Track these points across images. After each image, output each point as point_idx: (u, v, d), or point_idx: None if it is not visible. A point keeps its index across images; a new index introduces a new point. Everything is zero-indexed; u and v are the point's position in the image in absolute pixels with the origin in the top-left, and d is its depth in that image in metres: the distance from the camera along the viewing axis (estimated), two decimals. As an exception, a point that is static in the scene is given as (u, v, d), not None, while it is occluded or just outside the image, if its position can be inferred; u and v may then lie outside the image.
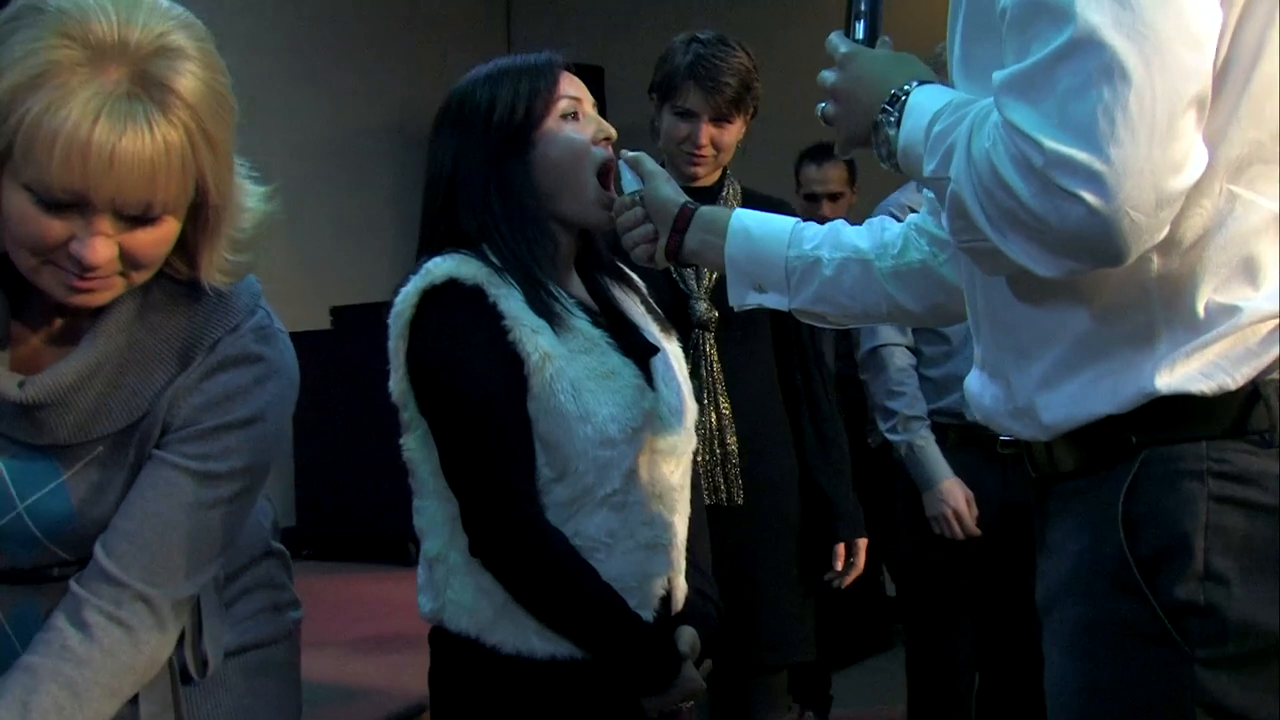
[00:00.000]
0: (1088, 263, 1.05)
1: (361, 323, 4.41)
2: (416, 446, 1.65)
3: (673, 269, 2.37)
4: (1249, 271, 1.11)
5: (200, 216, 1.23)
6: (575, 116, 1.70)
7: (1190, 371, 1.10)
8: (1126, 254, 1.02)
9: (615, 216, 1.63)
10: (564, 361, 1.59)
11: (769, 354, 2.47)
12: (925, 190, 1.43)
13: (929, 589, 2.89)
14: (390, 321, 1.63)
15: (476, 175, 1.66)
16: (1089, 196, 0.99)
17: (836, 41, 1.34)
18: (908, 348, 2.87)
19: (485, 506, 1.59)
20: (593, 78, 5.95)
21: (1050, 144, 0.99)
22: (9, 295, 1.27)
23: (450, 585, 1.63)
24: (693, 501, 1.80)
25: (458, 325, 1.59)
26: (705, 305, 2.36)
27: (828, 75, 1.32)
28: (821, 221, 1.59)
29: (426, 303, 1.59)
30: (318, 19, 5.79)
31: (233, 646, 1.44)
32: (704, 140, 2.36)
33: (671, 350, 1.78)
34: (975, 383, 1.29)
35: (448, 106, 1.72)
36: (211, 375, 1.29)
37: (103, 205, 1.14)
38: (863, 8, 1.36)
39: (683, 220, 1.57)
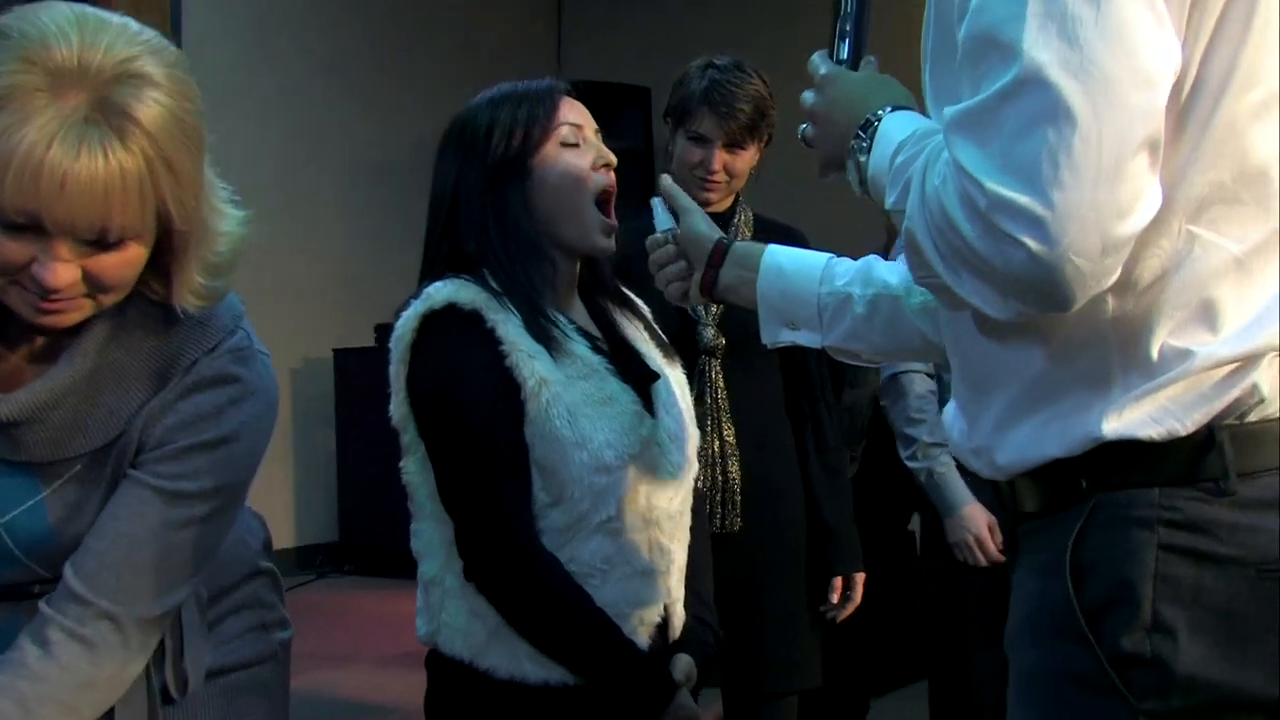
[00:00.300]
0: (1035, 307, 1.02)
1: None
2: (415, 470, 1.66)
3: None
4: (1207, 315, 1.06)
5: (168, 241, 1.23)
6: (576, 144, 1.70)
7: (1139, 416, 1.06)
8: (1072, 300, 1.00)
9: (649, 253, 1.61)
10: (561, 387, 1.59)
11: (776, 381, 2.46)
12: None
13: (953, 613, 2.85)
14: (391, 345, 1.64)
15: (475, 200, 1.67)
16: (1030, 242, 0.96)
17: (818, 62, 1.31)
18: (927, 374, 2.85)
19: (480, 530, 1.59)
20: (640, 98, 5.98)
21: (992, 186, 0.97)
22: None
23: (445, 608, 1.64)
24: (695, 529, 1.79)
25: (456, 350, 1.60)
26: (712, 331, 2.36)
27: (808, 96, 1.30)
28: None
29: (426, 327, 1.61)
30: (367, 38, 5.85)
31: (216, 667, 1.44)
32: (717, 166, 2.35)
33: (674, 377, 1.79)
34: (949, 414, 1.28)
35: (450, 130, 1.74)
36: (187, 395, 1.29)
37: (55, 229, 1.13)
38: (847, 28, 1.33)
39: (717, 256, 1.55)
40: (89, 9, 1.17)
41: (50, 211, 1.12)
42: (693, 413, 1.80)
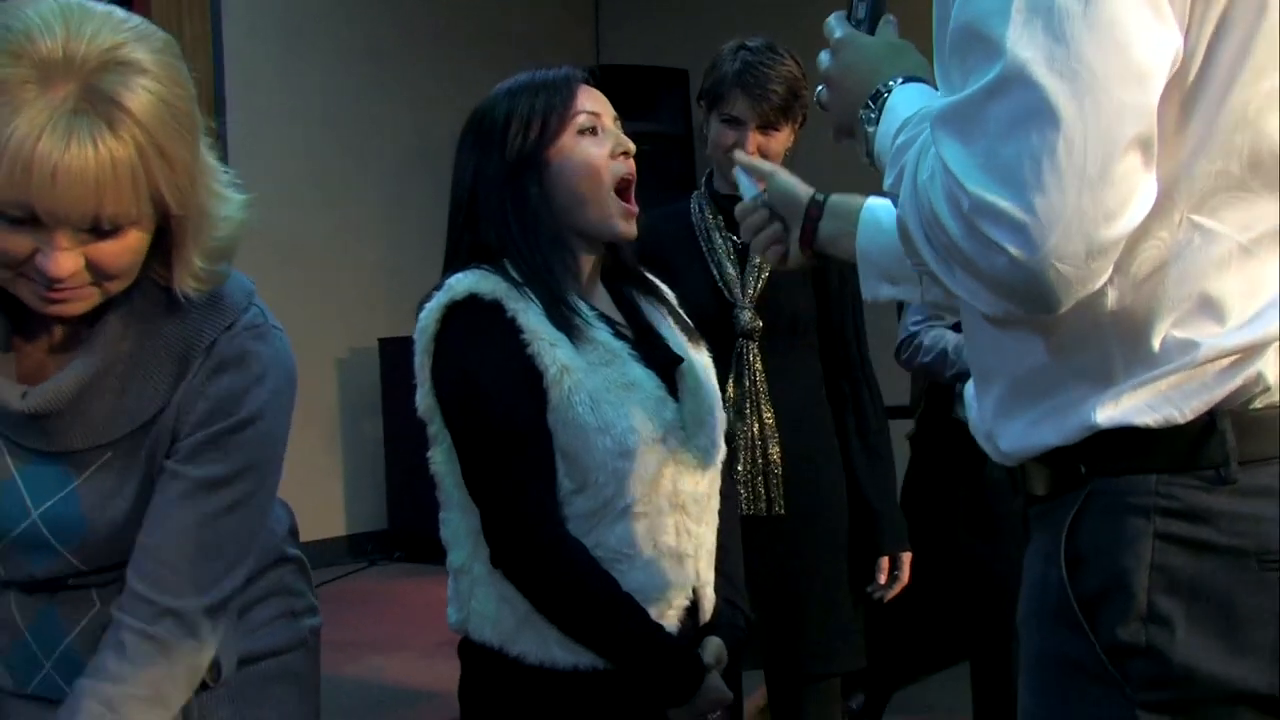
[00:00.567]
0: (1022, 308, 1.00)
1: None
2: (442, 460, 1.67)
3: (717, 278, 2.36)
4: (1211, 306, 1.03)
5: (168, 226, 1.24)
6: (594, 131, 1.70)
7: (1136, 404, 1.04)
8: (1058, 304, 0.97)
9: (740, 222, 1.59)
10: (583, 374, 1.60)
11: (815, 363, 2.45)
12: None
13: (991, 594, 2.84)
14: (416, 337, 1.66)
15: (494, 191, 1.68)
16: (1011, 248, 0.94)
17: (834, 25, 1.27)
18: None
19: (505, 518, 1.60)
20: (678, 81, 5.96)
21: (974, 189, 0.95)
22: (9, 309, 1.29)
23: (474, 596, 1.65)
24: (724, 512, 1.79)
25: (478, 340, 1.61)
26: (750, 314, 2.35)
27: (823, 59, 1.27)
28: None
29: (449, 318, 1.62)
30: (403, 30, 5.87)
31: (245, 655, 1.46)
32: (751, 148, 2.34)
33: (700, 360, 1.78)
34: (969, 393, 1.25)
35: (469, 122, 1.74)
36: (213, 378, 1.31)
37: (50, 220, 1.15)
38: None
39: (814, 211, 1.50)
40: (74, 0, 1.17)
41: (43, 203, 1.13)
42: (719, 396, 1.80)
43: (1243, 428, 1.03)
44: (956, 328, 2.83)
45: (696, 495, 1.69)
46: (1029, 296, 0.97)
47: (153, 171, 1.16)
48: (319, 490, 5.45)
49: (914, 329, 2.86)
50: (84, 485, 1.31)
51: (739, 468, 2.32)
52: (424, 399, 1.66)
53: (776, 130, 2.35)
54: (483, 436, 1.61)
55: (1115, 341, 1.05)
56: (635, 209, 1.71)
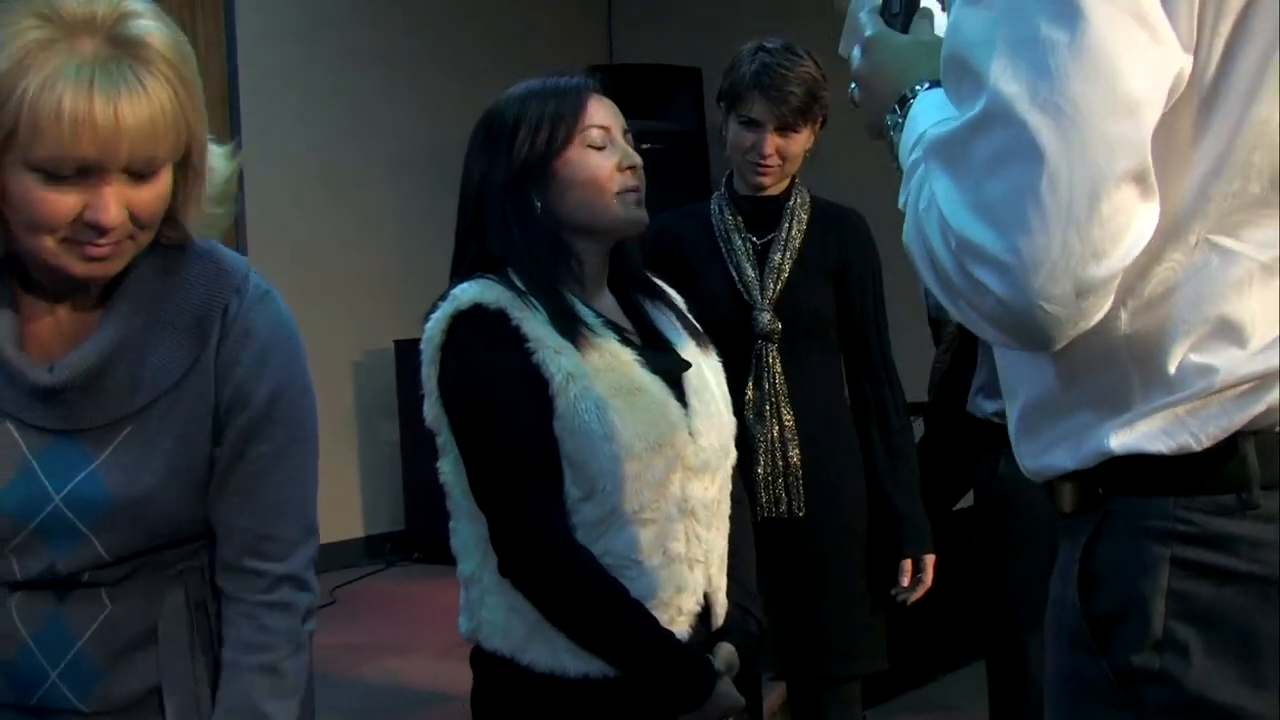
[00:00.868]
0: (1017, 345, 0.98)
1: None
2: (450, 469, 1.67)
3: (736, 279, 2.35)
4: (1230, 329, 0.98)
5: (185, 170, 1.29)
6: (602, 146, 1.69)
7: (1150, 430, 1.00)
8: (1051, 342, 0.95)
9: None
10: (588, 381, 1.60)
11: (836, 364, 2.44)
12: None
13: (1003, 593, 2.82)
14: (422, 348, 1.66)
15: (499, 199, 1.68)
16: (997, 289, 0.92)
17: (865, 20, 1.23)
18: None
19: (512, 527, 1.60)
20: (691, 79, 5.95)
21: (959, 228, 0.93)
22: (10, 298, 1.33)
23: (484, 605, 1.65)
24: (736, 516, 1.79)
25: (483, 349, 1.62)
26: (769, 316, 2.34)
27: (855, 56, 1.23)
28: None
29: (454, 328, 1.62)
30: (415, 29, 5.87)
31: None
32: (769, 150, 2.33)
33: (708, 364, 1.78)
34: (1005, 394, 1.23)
35: (480, 124, 1.74)
36: (244, 349, 1.35)
37: (115, 167, 1.20)
38: None
39: None
40: None
41: (112, 153, 1.19)
42: (729, 400, 1.79)
43: (1265, 451, 0.99)
44: None
45: (706, 500, 1.68)
46: (1021, 334, 0.95)
47: (185, 106, 1.23)
48: (336, 492, 5.46)
49: None
50: (105, 463, 1.31)
51: (758, 470, 2.31)
52: (431, 409, 1.67)
53: (795, 132, 2.35)
54: (489, 445, 1.61)
55: (1130, 365, 1.01)
56: (644, 217, 1.71)
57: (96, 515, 1.31)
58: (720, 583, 1.72)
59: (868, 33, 1.22)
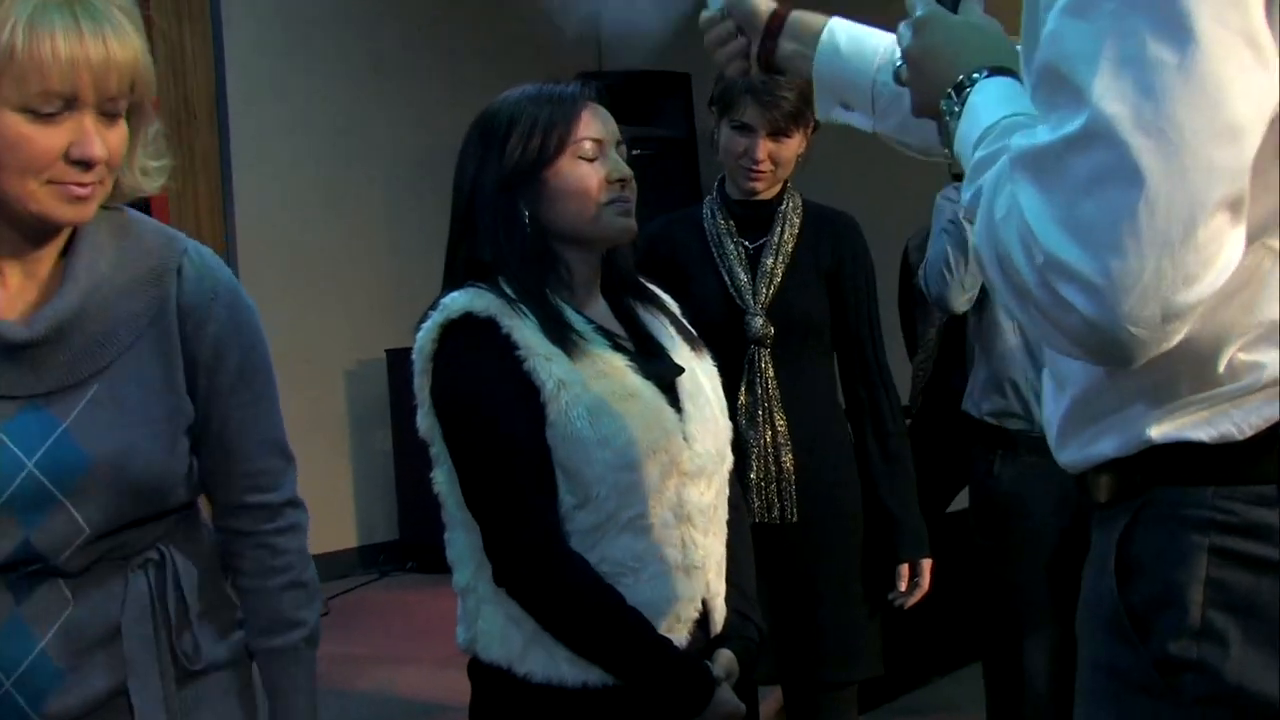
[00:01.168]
0: (1094, 362, 0.97)
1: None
2: (444, 480, 1.67)
3: (729, 284, 2.35)
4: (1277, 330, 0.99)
5: (138, 114, 1.34)
6: (593, 159, 1.68)
7: (1193, 420, 1.00)
8: (1130, 362, 0.94)
9: (703, 33, 1.56)
10: (580, 387, 1.59)
11: (829, 369, 2.44)
12: None
13: (1002, 594, 2.82)
14: (414, 358, 1.66)
15: (489, 205, 1.68)
16: (1083, 309, 0.91)
17: (915, 0, 1.21)
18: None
19: (506, 536, 1.60)
20: (680, 85, 5.95)
21: (1048, 244, 0.91)
22: None
23: (481, 615, 1.64)
24: (734, 522, 1.78)
25: (474, 358, 1.61)
26: (761, 321, 2.34)
27: (904, 35, 1.22)
28: None
29: (445, 338, 1.62)
30: (405, 34, 5.86)
31: (203, 664, 1.46)
32: (761, 155, 2.34)
33: (702, 369, 1.77)
34: (1047, 387, 1.21)
35: (474, 123, 1.73)
36: (212, 304, 1.42)
37: (96, 102, 1.26)
38: None
39: (775, 25, 1.47)
40: None
41: (101, 83, 1.25)
42: (724, 404, 1.79)
43: None
44: None
45: (702, 506, 1.67)
46: (1102, 354, 0.95)
47: (144, 46, 1.30)
48: (329, 502, 5.44)
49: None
50: (76, 422, 1.32)
51: (751, 475, 2.30)
52: (424, 419, 1.66)
53: (788, 137, 2.35)
54: (481, 454, 1.61)
55: (1181, 365, 1.00)
56: (633, 226, 1.71)
57: (74, 479, 1.31)
58: (719, 589, 1.71)
59: (919, 12, 1.21)
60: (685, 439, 1.65)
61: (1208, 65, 0.88)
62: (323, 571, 5.48)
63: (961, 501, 3.33)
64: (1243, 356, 0.99)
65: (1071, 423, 1.11)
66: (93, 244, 1.36)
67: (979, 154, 1.06)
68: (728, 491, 1.76)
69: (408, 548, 5.44)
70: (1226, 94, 0.88)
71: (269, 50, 5.35)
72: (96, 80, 1.24)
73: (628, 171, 1.70)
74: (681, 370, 1.72)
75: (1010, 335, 2.75)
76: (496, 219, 1.67)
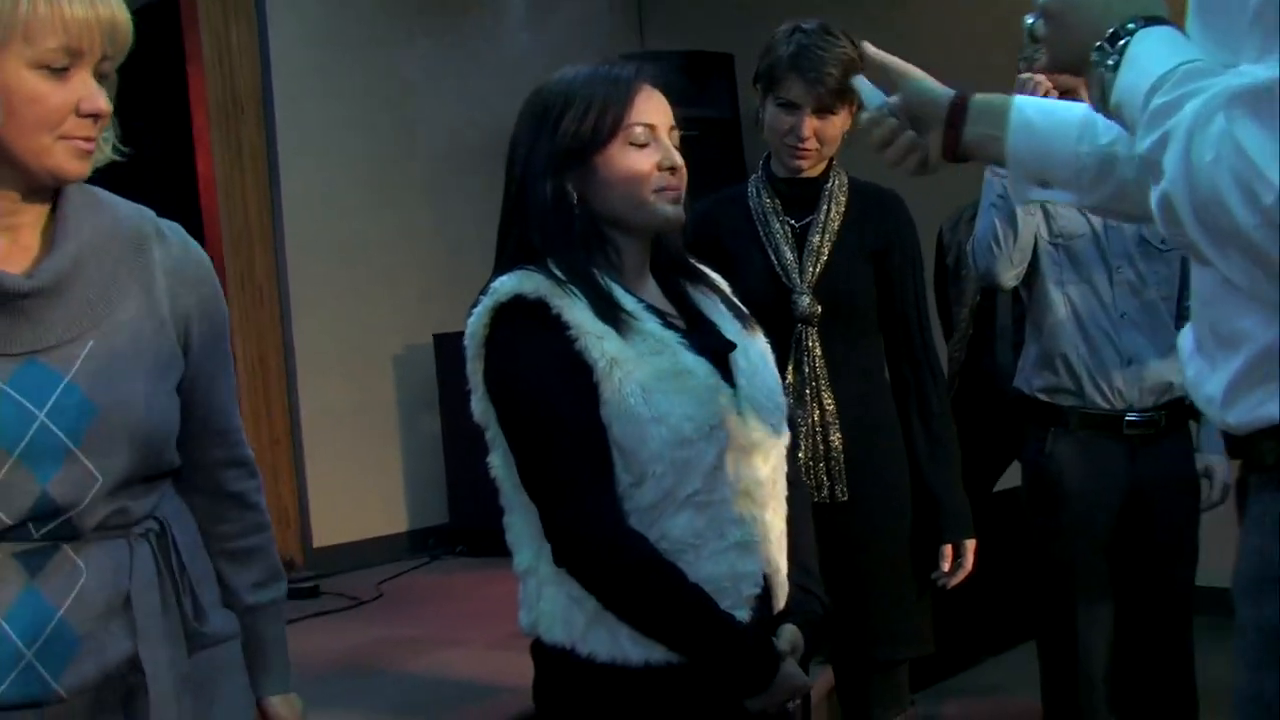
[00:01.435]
0: None
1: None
2: (500, 463, 1.67)
3: (775, 262, 2.34)
4: None
5: (106, 81, 1.41)
6: (645, 144, 1.67)
7: None
8: None
9: (865, 133, 1.52)
10: (632, 365, 1.59)
11: (876, 348, 2.43)
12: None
13: (1056, 571, 2.79)
14: (466, 343, 1.66)
15: (539, 186, 1.67)
16: None
17: None
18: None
19: (564, 516, 1.60)
20: (723, 65, 5.92)
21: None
22: None
23: (542, 596, 1.65)
24: (794, 498, 1.77)
25: (526, 340, 1.61)
26: (808, 300, 2.34)
27: None
28: None
29: (496, 321, 1.62)
30: (449, 21, 5.87)
31: (202, 639, 1.51)
32: (807, 132, 2.32)
33: (756, 346, 1.76)
34: (1186, 346, 1.20)
35: (529, 101, 1.72)
36: (198, 268, 1.52)
37: (97, 60, 1.35)
38: None
39: (957, 114, 1.43)
40: None
41: (108, 37, 1.35)
42: (779, 380, 1.78)
43: None
44: None
45: (760, 481, 1.67)
46: None
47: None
48: (380, 487, 5.48)
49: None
50: (78, 375, 1.37)
51: (800, 455, 2.30)
52: (478, 404, 1.67)
53: (833, 114, 2.33)
54: (536, 435, 1.61)
55: None
56: (681, 213, 1.70)
57: (84, 428, 1.35)
58: (780, 565, 1.71)
59: None
60: (740, 414, 1.65)
61: None
62: (374, 556, 5.52)
63: (1010, 480, 3.31)
64: None
65: (1245, 382, 1.08)
66: (75, 210, 1.42)
67: (1158, 101, 1.03)
68: (786, 467, 1.75)
69: (457, 532, 5.47)
70: None
71: (314, 43, 5.37)
72: (102, 39, 1.34)
73: (679, 160, 1.69)
74: (734, 346, 1.71)
75: (1061, 310, 2.72)
76: (545, 202, 1.67)
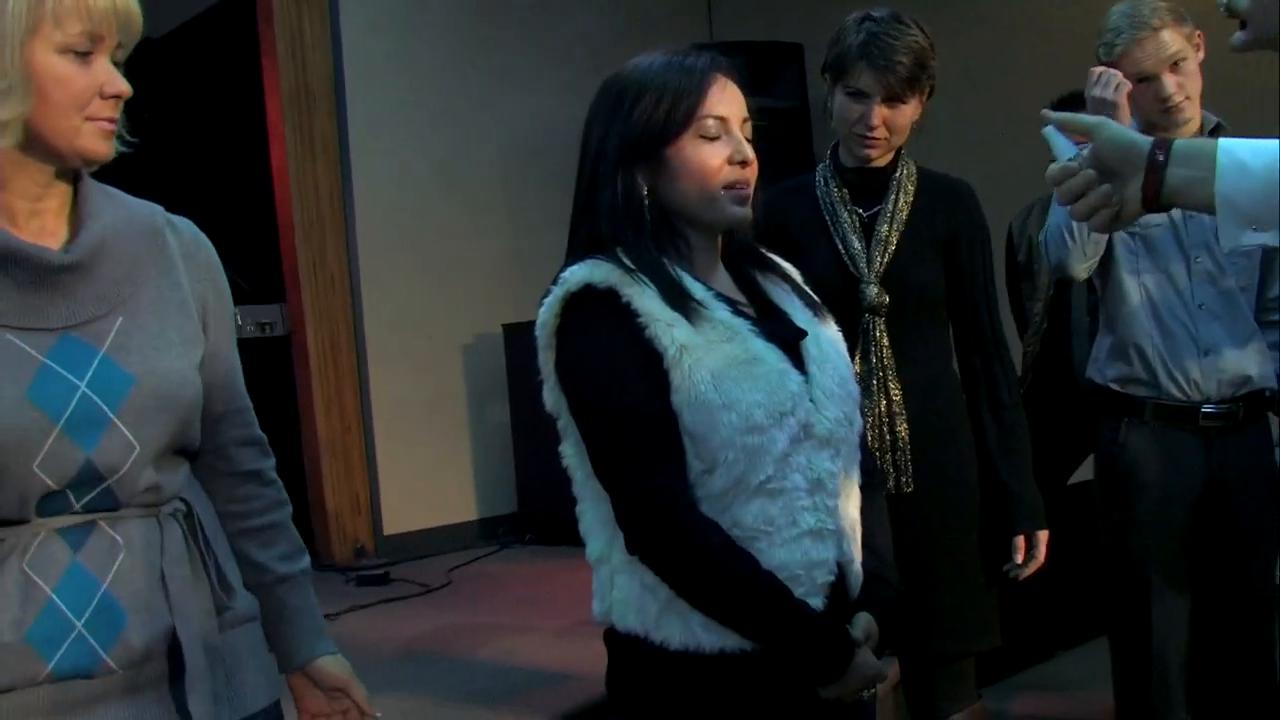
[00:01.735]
0: None
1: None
2: (572, 453, 1.68)
3: (843, 252, 2.33)
4: None
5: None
6: (716, 137, 1.66)
7: None
8: None
9: (1054, 186, 1.47)
10: (702, 352, 1.59)
11: (945, 338, 2.40)
12: None
13: (1129, 565, 2.75)
14: (537, 333, 1.66)
15: (610, 176, 1.67)
16: None
17: None
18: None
19: (636, 503, 1.60)
20: (793, 55, 5.89)
21: None
22: None
23: (615, 585, 1.65)
24: (868, 486, 1.77)
25: (596, 329, 1.61)
26: (875, 289, 2.31)
27: None
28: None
29: (567, 311, 1.62)
30: (519, 13, 5.89)
31: (234, 616, 1.57)
32: (876, 121, 2.30)
33: (827, 334, 1.75)
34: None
35: (603, 89, 1.72)
36: (207, 257, 1.60)
37: (114, 47, 1.41)
38: None
39: (1159, 157, 1.39)
40: None
41: (126, 25, 1.41)
42: (851, 368, 1.77)
43: None
44: None
45: (832, 469, 1.66)
46: None
47: None
48: (450, 475, 5.54)
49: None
50: (111, 348, 1.43)
51: (869, 444, 2.29)
52: (550, 393, 1.67)
53: (903, 103, 2.31)
54: (608, 423, 1.61)
55: None
56: (747, 212, 1.69)
57: (123, 398, 1.41)
58: (854, 553, 1.70)
59: None
60: (812, 401, 1.64)
61: None
62: (445, 543, 5.57)
63: (1084, 474, 3.26)
64: None
65: None
66: (95, 198, 1.49)
67: None
68: (859, 456, 1.74)
69: (526, 520, 5.51)
70: None
71: (385, 32, 5.42)
72: (120, 26, 1.41)
73: (750, 153, 1.68)
74: (804, 334, 1.70)
75: (1135, 299, 2.68)
76: (615, 192, 1.67)
